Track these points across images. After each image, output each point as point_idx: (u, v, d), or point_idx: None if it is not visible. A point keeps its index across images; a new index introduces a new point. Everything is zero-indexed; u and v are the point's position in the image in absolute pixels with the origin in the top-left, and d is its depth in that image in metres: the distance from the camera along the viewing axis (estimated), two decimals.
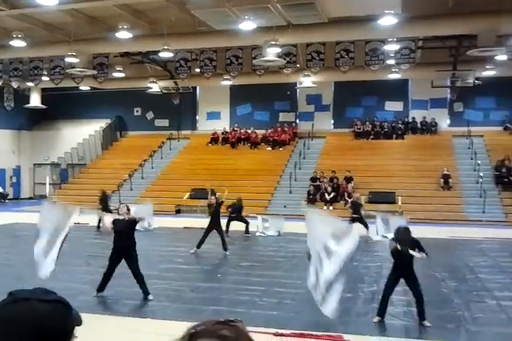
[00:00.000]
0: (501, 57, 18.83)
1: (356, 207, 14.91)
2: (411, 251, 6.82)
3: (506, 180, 20.46)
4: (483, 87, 21.98)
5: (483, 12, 15.80)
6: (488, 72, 21.18)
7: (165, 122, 29.20)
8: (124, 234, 8.07)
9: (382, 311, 7.08)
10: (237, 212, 15.15)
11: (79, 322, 1.34)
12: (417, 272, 10.11)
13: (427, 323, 6.87)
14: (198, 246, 12.11)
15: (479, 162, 21.72)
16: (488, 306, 7.95)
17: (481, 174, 20.76)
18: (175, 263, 11.01)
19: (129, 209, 8.34)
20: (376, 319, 7.05)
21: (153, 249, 12.74)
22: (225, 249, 12.08)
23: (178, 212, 21.23)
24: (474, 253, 12.75)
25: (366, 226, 14.52)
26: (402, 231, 7.03)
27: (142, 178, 24.59)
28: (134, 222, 8.25)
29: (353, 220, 14.62)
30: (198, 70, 22.29)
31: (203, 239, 12.11)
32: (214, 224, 12.21)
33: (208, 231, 12.19)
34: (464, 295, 8.57)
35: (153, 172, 24.97)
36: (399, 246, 6.81)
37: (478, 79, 21.59)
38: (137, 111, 29.84)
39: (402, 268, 6.98)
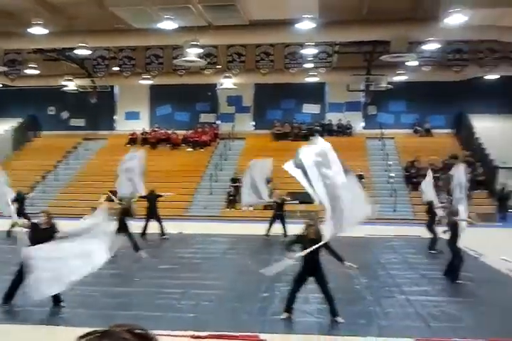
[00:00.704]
0: (412, 62, 19.83)
1: (279, 204, 15.18)
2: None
3: (415, 180, 21.52)
4: (395, 91, 23.04)
5: (396, 19, 16.58)
6: (400, 77, 22.24)
7: (81, 122, 28.24)
8: (42, 242, 7.71)
9: (289, 307, 7.26)
10: (153, 203, 14.93)
11: None
12: (330, 269, 10.45)
13: (339, 319, 7.12)
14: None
15: (390, 163, 22.74)
16: (398, 301, 8.33)
17: (392, 174, 21.75)
18: None
19: (49, 218, 7.97)
20: (284, 315, 7.22)
21: None
22: (138, 250, 11.89)
23: None
24: (385, 250, 13.33)
25: (284, 226, 14.77)
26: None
27: (56, 180, 23.66)
28: (53, 231, 7.89)
29: (274, 218, 14.88)
30: (116, 69, 21.81)
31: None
32: (120, 228, 12.00)
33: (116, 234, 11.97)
34: (375, 292, 8.93)
35: (68, 174, 24.08)
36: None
37: (390, 84, 22.62)
38: (51, 110, 28.63)
39: (309, 264, 7.15)
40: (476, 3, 13.77)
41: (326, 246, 7.18)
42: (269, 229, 14.92)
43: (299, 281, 7.30)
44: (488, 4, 13.91)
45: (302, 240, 7.32)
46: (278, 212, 15.07)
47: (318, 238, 7.10)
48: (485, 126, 23.89)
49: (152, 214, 14.96)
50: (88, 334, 1.21)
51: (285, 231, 14.69)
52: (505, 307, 7.98)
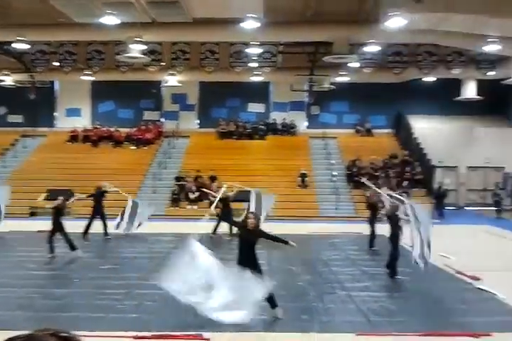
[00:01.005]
0: (353, 64, 20.28)
1: (225, 202, 15.08)
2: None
3: (357, 178, 22.05)
4: (338, 91, 23.52)
5: (339, 21, 16.90)
6: (342, 78, 22.70)
7: (19, 118, 27.24)
8: None
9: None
10: (99, 200, 14.63)
11: None
12: (275, 267, 10.57)
13: (279, 312, 7.20)
14: (52, 251, 11.61)
15: (333, 162, 23.19)
16: (339, 297, 8.51)
17: (335, 173, 22.19)
18: (27, 270, 10.31)
19: None
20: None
21: (3, 255, 11.89)
22: (74, 249, 11.66)
23: (32, 214, 19.91)
24: (328, 247, 13.58)
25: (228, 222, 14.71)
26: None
27: None
28: None
29: (221, 216, 14.81)
30: (56, 64, 21.19)
31: (50, 243, 11.63)
32: (55, 227, 11.73)
33: (51, 234, 11.71)
34: (318, 288, 9.09)
35: (5, 172, 23.15)
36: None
37: (333, 85, 23.06)
38: None
39: (245, 261, 7.18)
40: (415, 7, 14.23)
41: (266, 236, 7.37)
42: (216, 228, 14.87)
43: None
44: (427, 9, 14.40)
45: (240, 226, 7.68)
46: (224, 210, 15.02)
47: (253, 230, 7.25)
48: (423, 126, 24.77)
49: (98, 212, 14.62)
50: (11, 339, 1.18)
51: (231, 229, 14.67)
52: (441, 302, 8.33)
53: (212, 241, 14.39)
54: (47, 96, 26.55)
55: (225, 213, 14.94)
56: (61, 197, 12.31)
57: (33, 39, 18.36)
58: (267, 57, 20.59)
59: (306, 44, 20.10)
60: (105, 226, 14.58)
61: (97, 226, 14.43)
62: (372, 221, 13.25)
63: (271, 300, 7.29)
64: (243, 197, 17.84)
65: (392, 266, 9.96)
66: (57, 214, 11.79)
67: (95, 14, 15.06)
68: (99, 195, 14.89)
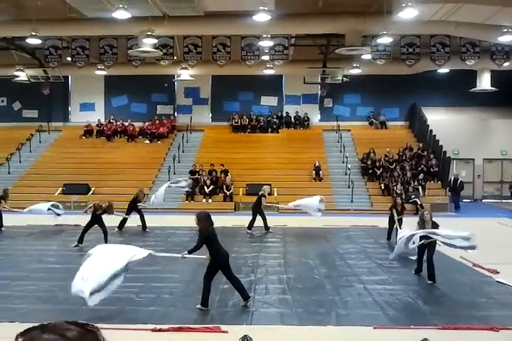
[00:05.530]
0: (366, 56, 20.10)
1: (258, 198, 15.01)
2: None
3: (371, 171, 21.96)
4: (351, 84, 23.33)
5: (351, 13, 16.76)
6: (355, 70, 22.52)
7: (34, 113, 27.46)
8: None
9: (206, 300, 7.28)
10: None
11: None
12: (291, 260, 10.57)
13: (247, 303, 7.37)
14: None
15: (347, 154, 23.07)
16: (356, 290, 8.49)
17: (349, 166, 22.08)
18: (45, 263, 10.44)
19: None
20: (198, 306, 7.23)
21: (21, 249, 12.04)
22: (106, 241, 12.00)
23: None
24: (343, 240, 13.55)
25: (257, 219, 14.68)
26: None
27: (9, 173, 22.93)
28: None
29: (255, 212, 14.78)
30: (69, 59, 21.27)
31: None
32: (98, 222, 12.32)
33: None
34: (334, 281, 9.07)
35: (22, 167, 23.39)
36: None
37: (346, 77, 22.88)
38: (2, 101, 27.75)
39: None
40: None
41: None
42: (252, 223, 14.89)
43: (210, 274, 7.44)
44: (439, 0, 14.22)
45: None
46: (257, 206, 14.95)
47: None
48: (437, 118, 24.53)
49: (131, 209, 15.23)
50: (28, 330, 1.19)
51: (265, 224, 14.60)
52: (459, 295, 8.26)
53: (227, 235, 14.41)
54: (61, 91, 26.72)
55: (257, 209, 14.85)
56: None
57: (46, 34, 18.45)
58: (279, 49, 20.48)
59: (318, 36, 19.96)
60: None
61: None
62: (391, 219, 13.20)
63: (243, 292, 7.36)
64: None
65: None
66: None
67: (106, 9, 15.07)
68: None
